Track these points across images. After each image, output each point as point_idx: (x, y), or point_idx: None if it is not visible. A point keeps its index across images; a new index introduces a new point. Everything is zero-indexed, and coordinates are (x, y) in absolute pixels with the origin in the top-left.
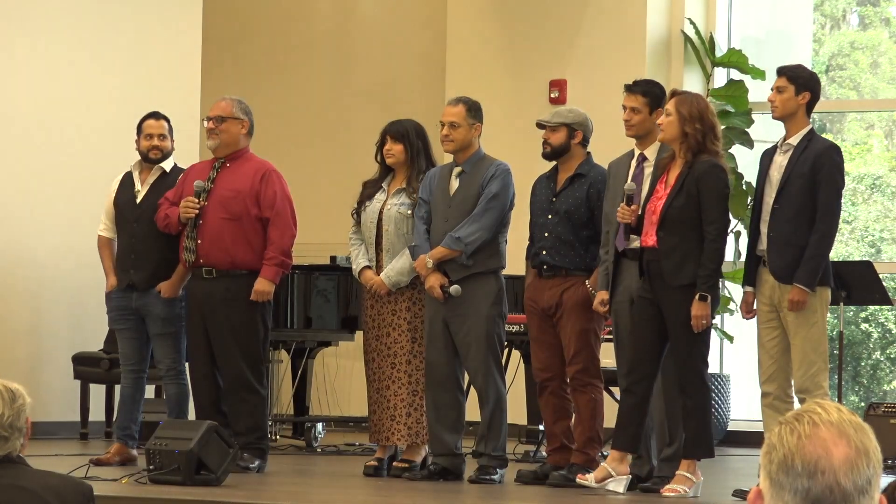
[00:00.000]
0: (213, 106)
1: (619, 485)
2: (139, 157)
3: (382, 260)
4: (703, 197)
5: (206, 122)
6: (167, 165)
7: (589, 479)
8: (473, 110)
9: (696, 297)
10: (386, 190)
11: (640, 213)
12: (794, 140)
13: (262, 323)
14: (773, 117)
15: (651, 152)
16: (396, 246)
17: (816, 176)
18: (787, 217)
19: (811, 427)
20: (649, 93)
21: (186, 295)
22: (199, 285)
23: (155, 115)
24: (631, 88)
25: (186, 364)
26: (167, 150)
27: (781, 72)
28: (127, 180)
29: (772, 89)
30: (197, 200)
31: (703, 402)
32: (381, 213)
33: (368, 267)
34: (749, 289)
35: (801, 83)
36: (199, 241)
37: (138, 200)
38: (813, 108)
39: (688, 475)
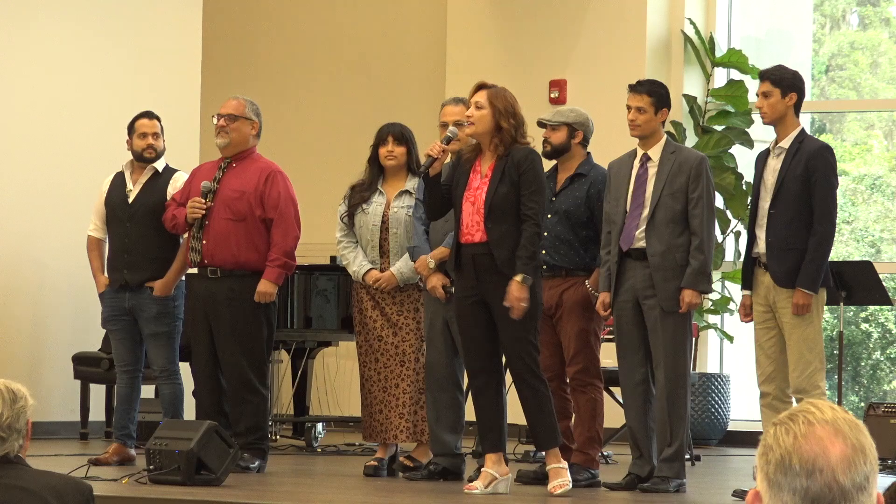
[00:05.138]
0: (224, 104)
1: (504, 485)
2: (131, 157)
3: (388, 263)
4: (524, 184)
5: (216, 119)
6: (159, 165)
7: (477, 486)
8: None
9: (519, 278)
10: (384, 192)
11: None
12: (786, 143)
13: (265, 324)
14: (764, 123)
15: (655, 152)
16: (405, 248)
17: (810, 178)
18: (784, 222)
19: (807, 426)
20: (654, 93)
21: (189, 295)
22: (202, 285)
23: (148, 115)
24: (636, 88)
25: (181, 364)
26: (161, 149)
27: (765, 76)
28: (118, 180)
29: (757, 95)
30: (203, 201)
31: (543, 391)
32: (384, 216)
33: (373, 268)
34: (747, 293)
35: (786, 85)
36: (205, 242)
37: (130, 200)
38: (801, 107)
39: (560, 466)
